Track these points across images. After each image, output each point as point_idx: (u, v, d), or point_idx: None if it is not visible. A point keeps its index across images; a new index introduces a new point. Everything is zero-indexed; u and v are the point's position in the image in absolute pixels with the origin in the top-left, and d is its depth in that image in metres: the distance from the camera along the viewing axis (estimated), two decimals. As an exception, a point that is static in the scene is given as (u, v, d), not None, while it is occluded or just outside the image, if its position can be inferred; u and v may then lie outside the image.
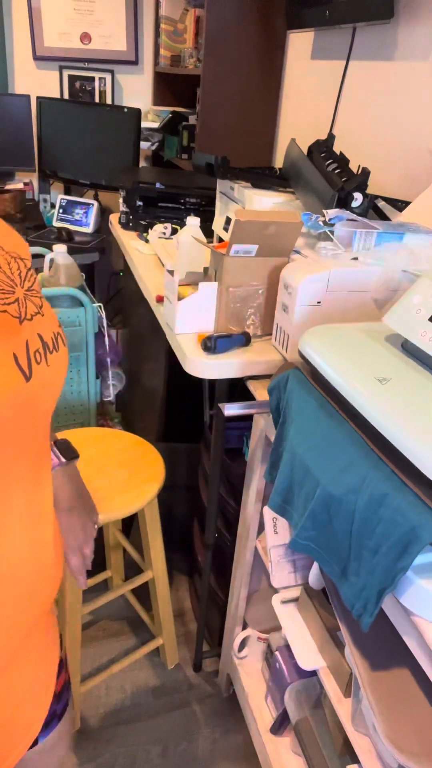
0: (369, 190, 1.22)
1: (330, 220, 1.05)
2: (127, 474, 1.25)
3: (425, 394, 0.66)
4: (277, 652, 1.20)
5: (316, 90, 1.83)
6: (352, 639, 0.80)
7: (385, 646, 0.76)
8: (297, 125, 1.98)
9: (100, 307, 1.74)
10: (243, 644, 1.36)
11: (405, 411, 0.64)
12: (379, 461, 0.66)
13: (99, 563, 1.62)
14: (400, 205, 1.31)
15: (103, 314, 1.76)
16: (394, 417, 0.63)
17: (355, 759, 0.93)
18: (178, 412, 1.68)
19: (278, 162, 2.14)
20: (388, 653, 0.77)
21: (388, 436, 0.64)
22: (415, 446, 0.60)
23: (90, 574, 1.60)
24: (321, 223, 1.07)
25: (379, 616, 0.69)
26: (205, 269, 1.26)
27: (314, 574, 1.02)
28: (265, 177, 1.40)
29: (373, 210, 1.24)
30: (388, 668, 0.76)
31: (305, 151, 1.36)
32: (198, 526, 1.56)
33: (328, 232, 1.07)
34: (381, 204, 1.28)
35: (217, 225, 1.60)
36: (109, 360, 1.87)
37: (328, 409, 0.77)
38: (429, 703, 0.71)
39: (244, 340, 1.11)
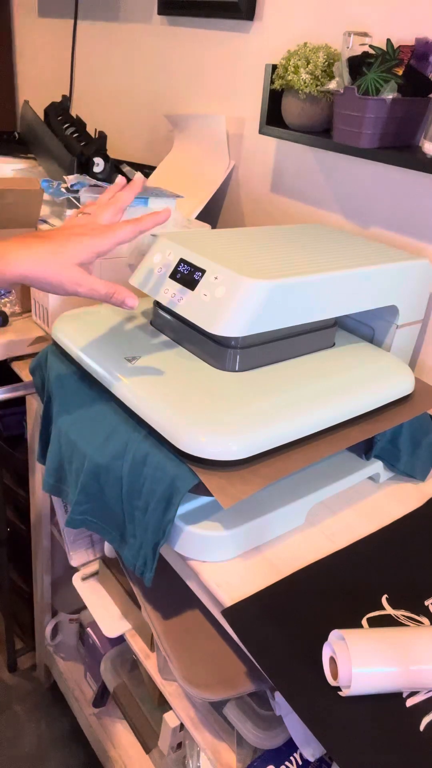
0: (115, 156, 1.21)
1: (72, 186, 1.02)
2: None
3: (167, 369, 0.70)
4: (88, 629, 1.20)
5: (50, 49, 1.74)
6: (145, 596, 0.82)
7: (176, 595, 0.80)
8: (37, 86, 1.87)
9: None
10: (56, 631, 1.33)
11: (151, 388, 0.67)
12: (138, 425, 0.67)
13: None
14: (146, 171, 1.33)
15: None
16: (142, 395, 0.67)
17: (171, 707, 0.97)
18: None
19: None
20: (179, 600, 0.81)
21: (141, 414, 0.66)
22: (163, 423, 0.64)
23: None
24: (63, 189, 1.03)
25: (165, 568, 0.72)
26: None
27: (109, 544, 1.02)
28: (2, 142, 1.30)
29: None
30: (180, 613, 0.80)
31: (42, 114, 1.29)
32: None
33: (73, 199, 1.04)
34: (126, 170, 1.28)
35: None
36: None
37: (88, 380, 0.76)
38: (218, 634, 0.77)
39: (1, 320, 1.04)
